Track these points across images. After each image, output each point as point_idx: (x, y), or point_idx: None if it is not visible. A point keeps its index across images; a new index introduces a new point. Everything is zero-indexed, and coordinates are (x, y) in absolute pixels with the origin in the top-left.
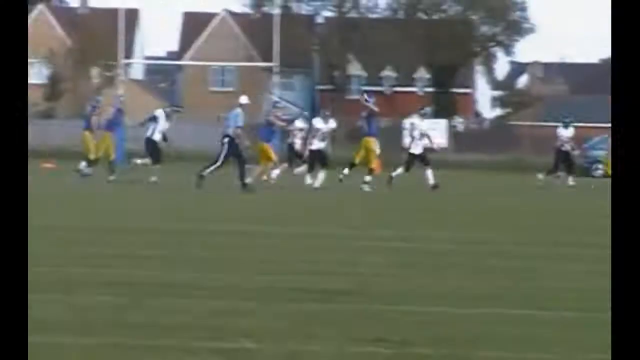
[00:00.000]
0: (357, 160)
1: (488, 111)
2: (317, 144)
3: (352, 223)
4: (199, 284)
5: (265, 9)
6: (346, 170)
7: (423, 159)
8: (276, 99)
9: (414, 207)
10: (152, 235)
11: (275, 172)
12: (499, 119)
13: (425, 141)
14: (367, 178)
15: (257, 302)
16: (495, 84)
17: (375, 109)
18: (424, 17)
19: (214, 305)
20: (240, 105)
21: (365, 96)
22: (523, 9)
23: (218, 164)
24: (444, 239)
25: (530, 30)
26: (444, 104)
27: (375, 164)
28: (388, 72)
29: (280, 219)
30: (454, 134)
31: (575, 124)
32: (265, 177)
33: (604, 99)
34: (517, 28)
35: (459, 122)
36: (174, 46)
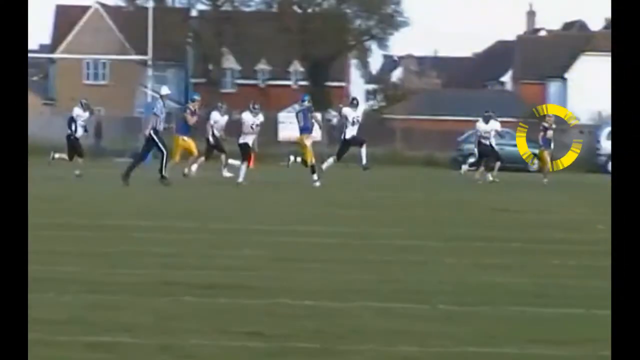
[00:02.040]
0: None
1: (362, 104)
2: (244, 138)
3: (234, 217)
4: (79, 278)
5: (139, 1)
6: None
7: (358, 141)
8: (195, 96)
9: (299, 200)
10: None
11: (194, 166)
12: (372, 112)
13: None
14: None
15: (133, 295)
16: (370, 78)
17: (310, 104)
18: (299, 10)
19: (91, 299)
20: (161, 96)
21: (303, 96)
22: (397, 2)
23: (165, 155)
24: (327, 232)
25: (405, 24)
26: (318, 98)
27: (252, 161)
28: (263, 66)
29: (184, 214)
30: (328, 128)
31: (451, 118)
32: (186, 171)
33: (478, 93)
34: (391, 22)
35: (333, 116)
36: (47, 39)
